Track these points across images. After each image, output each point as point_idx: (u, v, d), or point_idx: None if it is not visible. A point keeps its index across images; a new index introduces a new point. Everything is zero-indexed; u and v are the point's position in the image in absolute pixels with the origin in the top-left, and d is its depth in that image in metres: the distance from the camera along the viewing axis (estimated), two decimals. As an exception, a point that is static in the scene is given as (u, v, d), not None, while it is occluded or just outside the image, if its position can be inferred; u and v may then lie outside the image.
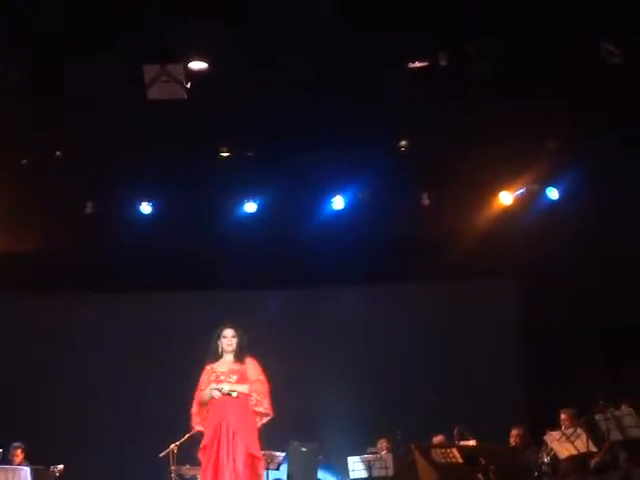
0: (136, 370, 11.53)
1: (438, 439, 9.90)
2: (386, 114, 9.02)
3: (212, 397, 6.70)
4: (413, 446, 6.80)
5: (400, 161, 10.00)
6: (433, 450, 6.73)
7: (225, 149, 10.18)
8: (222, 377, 6.86)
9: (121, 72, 8.40)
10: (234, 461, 6.55)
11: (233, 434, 6.63)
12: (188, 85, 8.49)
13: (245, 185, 10.80)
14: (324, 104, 8.83)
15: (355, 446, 10.54)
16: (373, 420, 11.01)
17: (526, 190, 10.74)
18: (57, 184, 10.27)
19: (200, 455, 6.81)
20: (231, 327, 7.02)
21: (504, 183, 10.68)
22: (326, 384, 11.49)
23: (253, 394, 6.79)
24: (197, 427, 6.94)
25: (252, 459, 6.66)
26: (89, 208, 10.74)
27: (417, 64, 8.57)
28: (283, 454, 10.32)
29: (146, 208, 10.99)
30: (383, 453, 10.35)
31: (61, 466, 9.81)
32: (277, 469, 10.34)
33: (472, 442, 9.36)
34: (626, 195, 9.91)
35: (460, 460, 6.56)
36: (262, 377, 6.94)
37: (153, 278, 11.37)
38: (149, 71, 8.33)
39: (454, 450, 6.72)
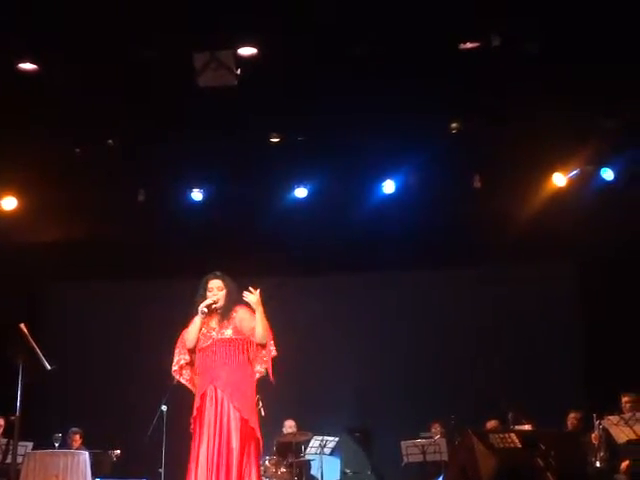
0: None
1: (492, 424, 9.84)
2: (437, 96, 8.91)
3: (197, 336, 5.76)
4: (470, 431, 6.69)
5: (451, 143, 9.88)
6: (491, 435, 6.62)
7: (275, 134, 10.16)
8: (213, 333, 5.81)
9: (171, 60, 8.42)
10: (227, 435, 5.47)
11: (222, 399, 5.58)
12: (238, 72, 8.48)
13: (295, 170, 10.78)
14: (375, 86, 8.75)
15: (408, 431, 10.50)
16: (426, 405, 10.96)
17: (580, 171, 10.56)
18: (109, 172, 10.35)
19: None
20: (218, 277, 6.02)
21: (557, 165, 10.51)
22: (378, 369, 11.46)
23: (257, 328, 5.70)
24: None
25: (249, 431, 5.55)
26: (141, 195, 10.83)
27: (469, 45, 8.45)
28: (336, 439, 10.35)
29: (197, 195, 11.07)
30: (437, 438, 10.32)
31: (118, 451, 10.02)
32: (330, 454, 10.39)
33: (527, 426, 9.27)
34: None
35: (519, 445, 6.44)
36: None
37: (206, 265, 11.40)
38: (199, 59, 8.34)
39: (512, 435, 6.60)
